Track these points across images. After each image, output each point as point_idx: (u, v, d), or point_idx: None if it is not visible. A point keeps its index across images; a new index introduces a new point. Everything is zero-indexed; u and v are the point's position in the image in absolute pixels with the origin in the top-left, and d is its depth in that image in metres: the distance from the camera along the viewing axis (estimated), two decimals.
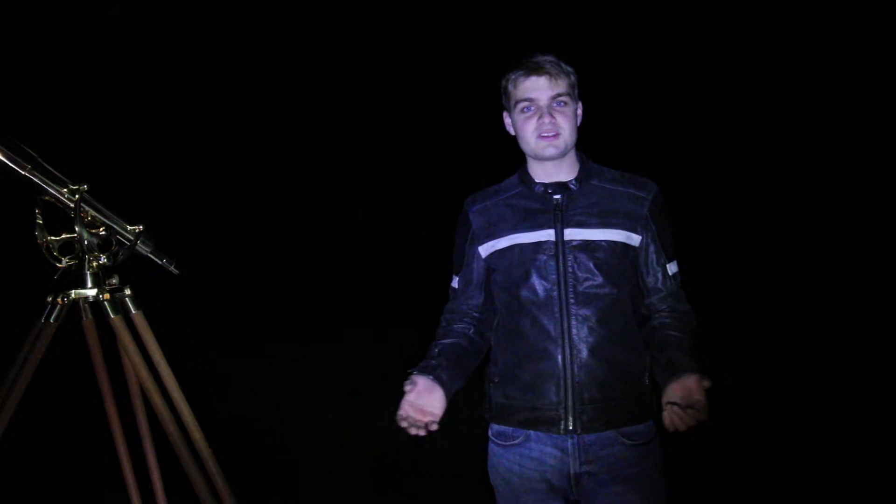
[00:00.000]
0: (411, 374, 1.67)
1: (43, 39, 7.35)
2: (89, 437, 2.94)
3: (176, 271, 2.10)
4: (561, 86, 1.68)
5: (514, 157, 1.85)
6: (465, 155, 8.22)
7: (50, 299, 1.79)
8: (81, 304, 1.80)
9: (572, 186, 1.73)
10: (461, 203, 1.89)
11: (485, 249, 1.79)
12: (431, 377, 1.67)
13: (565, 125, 1.68)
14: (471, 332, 1.82)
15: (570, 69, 1.71)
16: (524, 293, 1.71)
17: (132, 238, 1.89)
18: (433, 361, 1.73)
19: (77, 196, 1.74)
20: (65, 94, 7.40)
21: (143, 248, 1.95)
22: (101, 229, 1.84)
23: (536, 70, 1.67)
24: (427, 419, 1.61)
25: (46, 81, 7.24)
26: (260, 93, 8.93)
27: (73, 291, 1.79)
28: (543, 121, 1.67)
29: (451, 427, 1.71)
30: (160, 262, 2.05)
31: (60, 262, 1.81)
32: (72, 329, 1.80)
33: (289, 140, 9.29)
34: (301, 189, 9.46)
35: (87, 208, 1.78)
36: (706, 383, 1.49)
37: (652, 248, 1.72)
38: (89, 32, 7.42)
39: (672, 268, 1.74)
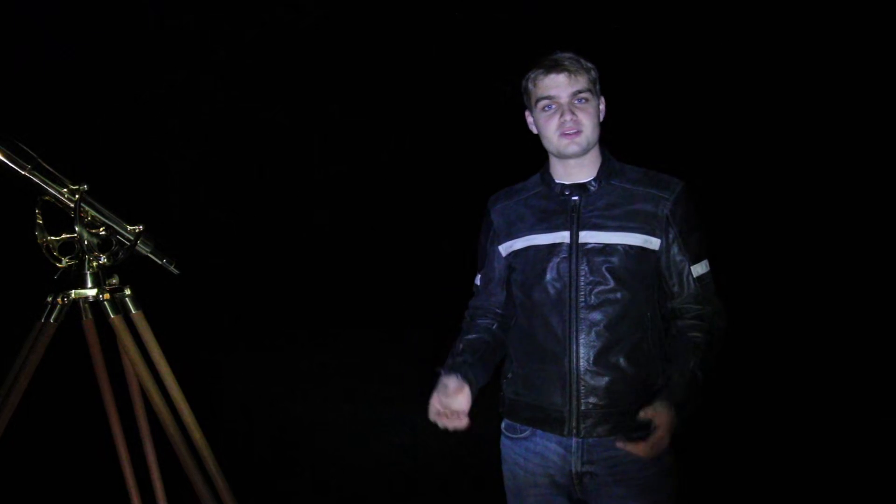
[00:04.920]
0: (439, 373, 1.68)
1: (43, 40, 7.33)
2: (89, 437, 2.94)
3: (176, 271, 2.09)
4: (581, 82, 1.65)
5: (518, 157, 1.85)
6: (472, 156, 8.21)
7: (50, 299, 1.79)
8: (81, 304, 1.80)
9: (591, 187, 1.70)
10: (468, 205, 1.90)
11: (504, 249, 1.80)
12: (460, 376, 1.67)
13: (587, 122, 1.66)
14: (494, 326, 1.84)
15: (590, 65, 1.68)
16: (537, 294, 1.71)
17: (132, 238, 1.88)
18: (459, 358, 1.74)
19: (77, 196, 1.73)
20: (65, 94, 7.39)
21: (143, 248, 1.95)
22: (101, 229, 1.84)
23: (556, 67, 1.65)
24: (458, 422, 1.63)
25: (47, 81, 7.23)
26: (262, 91, 8.92)
27: (73, 291, 1.79)
28: (565, 118, 1.65)
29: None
30: (160, 262, 2.05)
31: (60, 262, 1.80)
32: (72, 329, 1.80)
33: (288, 140, 9.27)
34: (300, 190, 9.44)
35: (87, 208, 1.77)
36: (663, 424, 1.50)
37: (674, 251, 1.67)
38: (89, 33, 7.41)
39: (698, 269, 1.68)
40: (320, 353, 6.69)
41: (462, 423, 1.63)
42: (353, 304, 8.10)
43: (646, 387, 1.66)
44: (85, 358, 1.88)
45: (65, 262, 1.80)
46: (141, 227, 1.90)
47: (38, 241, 1.79)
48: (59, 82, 7.34)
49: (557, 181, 1.74)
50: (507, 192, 1.85)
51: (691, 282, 1.67)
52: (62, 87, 7.35)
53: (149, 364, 1.87)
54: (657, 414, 1.51)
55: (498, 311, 1.85)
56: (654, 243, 1.66)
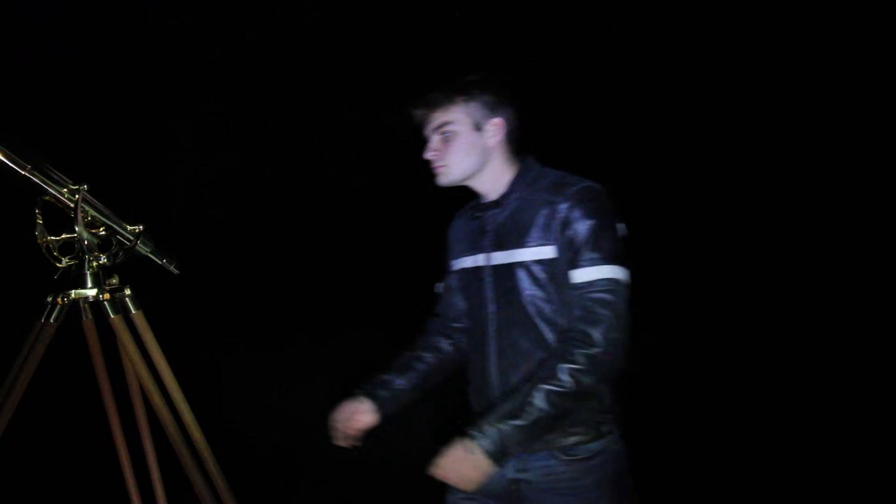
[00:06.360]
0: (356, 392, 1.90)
1: (43, 40, 7.33)
2: (89, 437, 2.94)
3: (176, 271, 2.10)
4: (441, 116, 1.67)
5: None
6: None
7: (50, 299, 1.79)
8: (81, 304, 1.80)
9: (499, 204, 1.70)
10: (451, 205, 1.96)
11: (452, 266, 1.87)
12: (369, 400, 1.89)
13: (449, 154, 1.68)
14: (442, 343, 1.91)
15: (465, 95, 1.65)
16: (468, 314, 1.79)
17: (132, 238, 1.88)
18: (385, 377, 1.90)
19: (77, 196, 1.73)
20: (65, 94, 7.39)
21: (143, 248, 1.95)
22: (101, 229, 1.84)
23: (417, 105, 1.70)
24: (342, 442, 1.90)
25: (47, 81, 7.23)
26: (262, 90, 8.93)
27: (73, 291, 1.79)
28: (427, 154, 1.70)
29: (445, 427, 1.73)
30: (160, 262, 2.05)
31: (60, 262, 1.80)
32: (72, 329, 1.80)
33: (288, 140, 9.27)
34: (299, 190, 9.44)
35: (87, 208, 1.77)
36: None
37: (566, 257, 1.58)
38: (89, 33, 7.41)
39: (583, 275, 1.55)
40: (320, 353, 6.68)
41: (345, 443, 1.89)
42: (353, 304, 8.10)
43: None
44: (85, 358, 1.88)
45: (65, 262, 1.80)
46: (141, 227, 1.90)
47: (38, 241, 1.79)
48: (59, 82, 7.34)
49: (482, 200, 1.77)
50: (464, 209, 1.89)
51: (568, 289, 1.57)
52: (62, 87, 7.34)
53: (149, 364, 1.87)
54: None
55: (456, 325, 1.90)
56: (548, 252, 1.59)
